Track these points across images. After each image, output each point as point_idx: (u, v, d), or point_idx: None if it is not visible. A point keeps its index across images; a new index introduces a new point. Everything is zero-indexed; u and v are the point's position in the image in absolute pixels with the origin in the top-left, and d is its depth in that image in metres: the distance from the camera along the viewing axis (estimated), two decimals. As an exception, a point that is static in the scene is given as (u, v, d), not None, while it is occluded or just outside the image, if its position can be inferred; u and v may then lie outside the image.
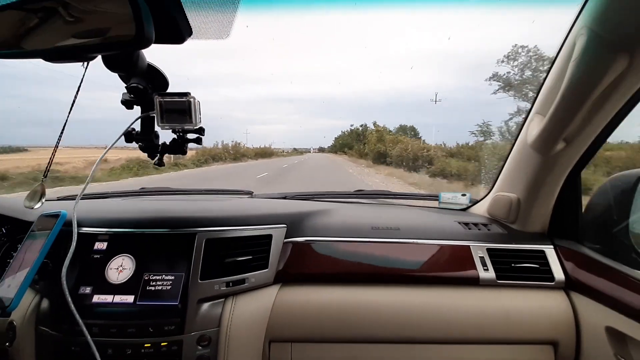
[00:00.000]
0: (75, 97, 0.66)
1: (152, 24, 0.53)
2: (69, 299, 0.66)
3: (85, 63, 0.61)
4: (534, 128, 0.81)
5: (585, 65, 0.63)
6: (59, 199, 1.16)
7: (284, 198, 1.23)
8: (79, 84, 0.66)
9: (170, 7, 0.57)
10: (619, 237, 0.83)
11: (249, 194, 1.29)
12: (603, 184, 0.88)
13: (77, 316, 0.65)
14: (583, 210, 0.91)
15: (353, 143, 37.30)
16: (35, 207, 0.70)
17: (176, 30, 0.61)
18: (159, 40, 0.60)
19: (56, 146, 0.72)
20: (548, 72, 0.77)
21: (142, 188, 1.36)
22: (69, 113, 0.68)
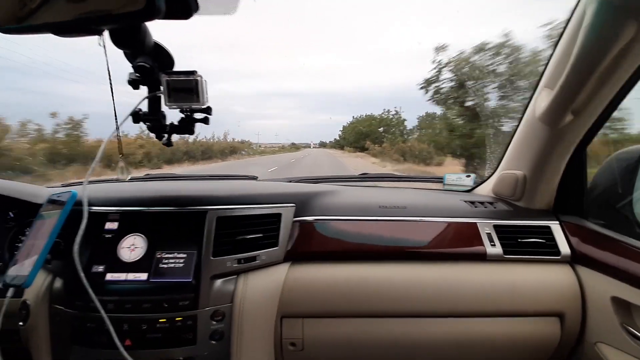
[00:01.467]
0: (109, 76, 0.68)
1: None
2: (82, 275, 0.66)
3: (101, 39, 0.61)
4: (542, 101, 0.81)
5: (596, 32, 0.63)
6: (63, 186, 1.17)
7: (289, 182, 1.24)
8: (107, 65, 0.67)
9: None
10: (623, 211, 0.84)
11: (254, 178, 1.30)
12: (607, 160, 0.89)
13: (91, 291, 0.65)
14: (588, 186, 0.92)
15: (379, 133, 24.97)
16: (128, 178, 0.76)
17: (184, 4, 0.60)
18: (166, 15, 0.59)
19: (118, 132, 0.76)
20: (556, 45, 0.77)
21: (147, 174, 1.36)
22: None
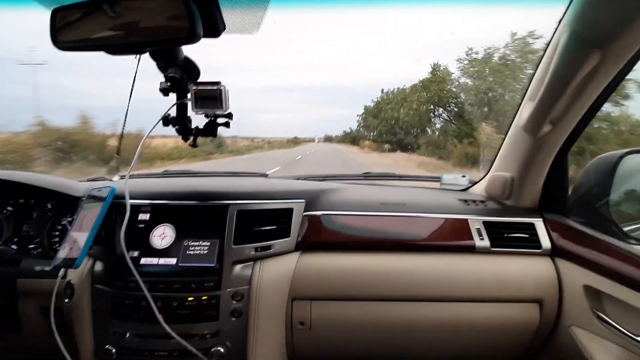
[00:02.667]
0: (132, 87, 0.76)
1: (200, 21, 0.63)
2: (128, 258, 0.77)
3: (138, 56, 0.71)
4: (525, 112, 0.91)
5: (566, 58, 0.74)
6: (88, 180, 1.27)
7: (297, 179, 1.34)
8: (134, 76, 0.76)
9: (211, 4, 0.66)
10: (600, 211, 0.93)
11: (264, 175, 1.40)
12: (588, 164, 0.98)
13: (136, 273, 0.76)
14: (572, 187, 1.01)
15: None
16: (114, 179, 0.82)
17: (213, 26, 0.70)
18: None
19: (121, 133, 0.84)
20: (538, 64, 0.87)
21: (165, 171, 1.47)
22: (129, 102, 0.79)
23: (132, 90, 0.79)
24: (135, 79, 0.78)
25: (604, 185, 0.93)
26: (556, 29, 0.78)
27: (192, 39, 0.63)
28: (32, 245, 1.02)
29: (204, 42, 0.67)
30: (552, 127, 0.87)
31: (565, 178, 1.00)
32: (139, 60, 0.73)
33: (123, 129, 0.83)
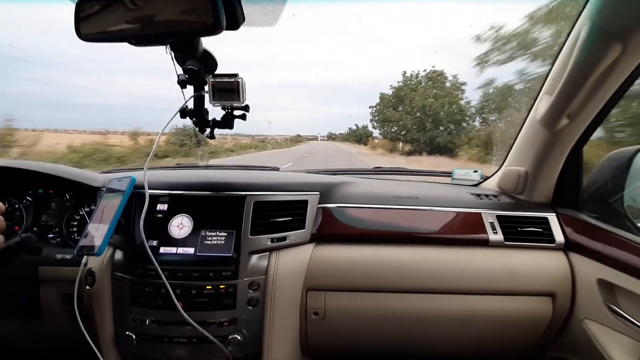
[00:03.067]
0: (178, 77, 0.79)
1: (223, 12, 0.64)
2: (147, 247, 0.78)
3: (168, 48, 0.72)
4: (542, 106, 0.91)
5: (586, 51, 0.74)
6: (103, 172, 1.29)
7: (309, 173, 1.35)
8: (174, 66, 0.77)
9: None
10: (614, 206, 0.94)
11: (276, 169, 1.41)
12: (602, 160, 0.98)
13: (154, 260, 0.77)
14: (586, 183, 1.01)
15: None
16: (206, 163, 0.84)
17: (233, 18, 0.71)
18: None
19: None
20: (556, 56, 0.87)
21: (178, 164, 1.49)
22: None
23: (179, 79, 0.82)
24: (176, 70, 0.79)
25: (619, 181, 0.93)
26: (576, 22, 0.78)
27: (215, 30, 0.63)
28: (51, 235, 1.05)
29: (212, 37, 0.68)
30: (569, 121, 0.87)
31: (579, 173, 1.00)
32: (169, 52, 0.74)
33: (166, 124, 0.86)
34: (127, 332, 0.83)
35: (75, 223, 1.07)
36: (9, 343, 1.11)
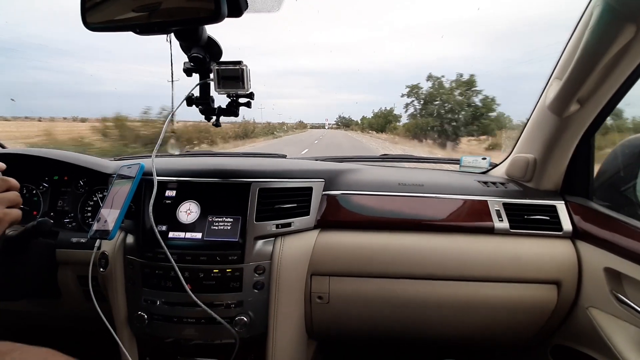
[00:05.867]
0: (172, 68, 0.79)
1: (226, 0, 0.64)
2: (157, 231, 0.81)
3: (169, 37, 0.73)
4: (552, 91, 0.88)
5: (598, 33, 0.71)
6: (117, 159, 1.33)
7: (316, 160, 1.35)
8: (170, 58, 0.78)
9: None
10: (626, 195, 0.92)
11: (283, 156, 1.42)
12: (615, 147, 0.95)
13: (164, 245, 0.80)
14: (597, 171, 0.99)
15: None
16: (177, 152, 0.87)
17: (236, 5, 0.71)
18: None
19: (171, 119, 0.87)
20: (568, 40, 0.84)
21: (187, 151, 1.51)
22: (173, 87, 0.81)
23: (172, 69, 0.82)
24: (172, 61, 0.80)
25: (632, 169, 0.91)
26: (589, 3, 0.75)
27: (217, 18, 0.64)
28: (67, 220, 1.09)
29: (223, 22, 0.68)
30: (580, 106, 0.85)
31: (590, 160, 0.97)
32: (170, 41, 0.75)
33: (172, 112, 0.86)
34: (140, 312, 0.86)
35: (89, 208, 1.11)
36: (30, 322, 1.18)
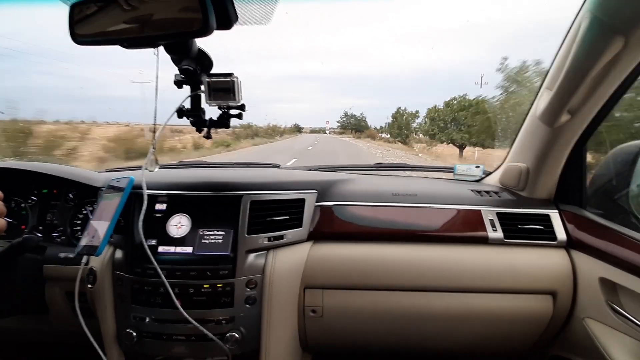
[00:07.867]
0: (157, 82, 0.78)
1: (213, 13, 0.63)
2: (146, 246, 0.79)
3: (156, 49, 0.72)
4: (542, 102, 0.89)
5: (587, 45, 0.71)
6: (106, 171, 1.31)
7: (309, 170, 1.35)
8: (156, 70, 0.77)
9: None
10: (619, 203, 0.91)
11: (276, 166, 1.41)
12: (607, 155, 0.96)
13: (154, 260, 0.79)
14: (590, 179, 0.99)
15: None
16: (155, 170, 0.85)
17: (226, 18, 0.70)
18: None
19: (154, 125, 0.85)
20: (558, 51, 0.84)
21: (180, 161, 1.50)
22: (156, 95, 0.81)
23: (157, 84, 0.81)
24: (158, 73, 0.79)
25: (624, 176, 0.91)
26: (577, 15, 0.75)
27: (205, 32, 0.63)
28: (56, 234, 1.07)
29: (218, 31, 0.68)
30: (570, 117, 0.85)
31: (582, 169, 0.98)
32: (157, 54, 0.74)
33: (155, 121, 0.85)
34: (128, 330, 0.84)
35: (78, 222, 1.09)
36: (17, 339, 1.15)
